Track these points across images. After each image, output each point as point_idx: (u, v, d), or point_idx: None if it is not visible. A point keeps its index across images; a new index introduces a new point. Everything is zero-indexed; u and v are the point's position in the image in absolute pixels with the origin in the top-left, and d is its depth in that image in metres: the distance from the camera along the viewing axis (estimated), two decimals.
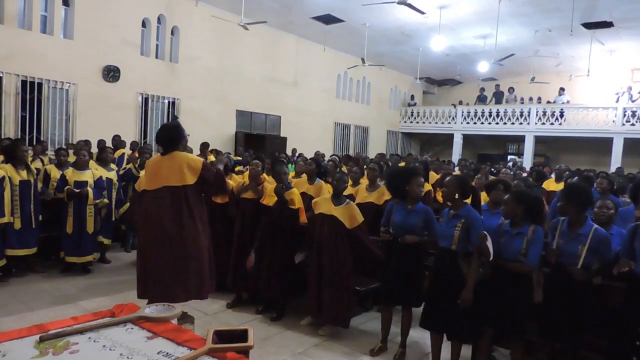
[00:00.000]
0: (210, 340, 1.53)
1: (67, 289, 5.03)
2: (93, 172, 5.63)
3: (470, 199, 3.45)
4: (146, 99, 11.33)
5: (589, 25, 12.68)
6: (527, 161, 16.46)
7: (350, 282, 4.10)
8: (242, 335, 1.59)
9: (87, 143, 8.15)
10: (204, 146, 9.12)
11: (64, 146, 8.68)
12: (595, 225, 3.07)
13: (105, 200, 5.84)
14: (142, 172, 6.41)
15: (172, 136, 3.62)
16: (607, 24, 12.60)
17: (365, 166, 6.56)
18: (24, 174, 5.18)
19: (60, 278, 5.37)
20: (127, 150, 8.76)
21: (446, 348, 3.49)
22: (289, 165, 8.14)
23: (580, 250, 2.95)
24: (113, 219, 6.19)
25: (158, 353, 1.49)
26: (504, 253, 3.15)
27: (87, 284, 5.24)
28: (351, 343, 4.01)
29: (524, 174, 9.31)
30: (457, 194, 3.35)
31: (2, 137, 8.31)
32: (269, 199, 4.46)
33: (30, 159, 6.41)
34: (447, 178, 3.55)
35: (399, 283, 3.63)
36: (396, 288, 3.66)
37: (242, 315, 4.50)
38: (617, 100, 16.22)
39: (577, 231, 3.02)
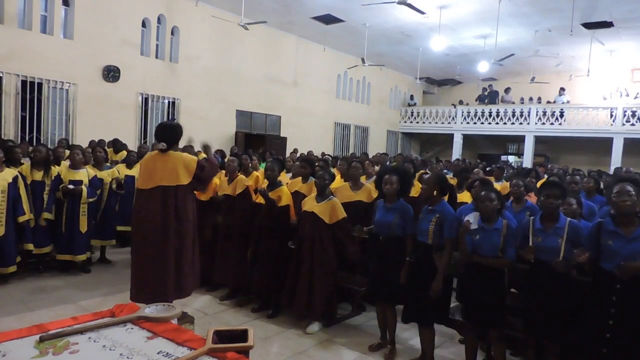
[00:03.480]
0: (210, 340, 1.53)
1: (67, 289, 5.03)
2: (88, 172, 5.64)
3: (447, 195, 3.61)
4: (146, 99, 11.33)
5: (589, 25, 12.68)
6: (527, 161, 16.47)
7: (329, 278, 4.16)
8: (242, 335, 1.59)
9: (99, 143, 8.18)
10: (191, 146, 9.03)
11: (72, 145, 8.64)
12: (569, 218, 3.15)
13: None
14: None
15: (172, 135, 3.69)
16: (607, 24, 12.59)
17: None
18: (38, 174, 5.35)
19: (61, 278, 5.36)
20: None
21: (440, 344, 3.50)
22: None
23: (560, 244, 3.01)
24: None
25: (158, 353, 1.49)
26: (481, 249, 3.23)
27: (87, 284, 5.24)
28: (351, 343, 4.01)
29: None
30: (435, 191, 3.50)
31: (2, 137, 8.30)
32: (260, 198, 4.54)
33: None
34: (427, 176, 3.74)
35: (380, 280, 3.74)
36: (378, 284, 3.77)
37: (242, 315, 4.50)
38: (611, 96, 16.31)
39: (554, 226, 3.08)
